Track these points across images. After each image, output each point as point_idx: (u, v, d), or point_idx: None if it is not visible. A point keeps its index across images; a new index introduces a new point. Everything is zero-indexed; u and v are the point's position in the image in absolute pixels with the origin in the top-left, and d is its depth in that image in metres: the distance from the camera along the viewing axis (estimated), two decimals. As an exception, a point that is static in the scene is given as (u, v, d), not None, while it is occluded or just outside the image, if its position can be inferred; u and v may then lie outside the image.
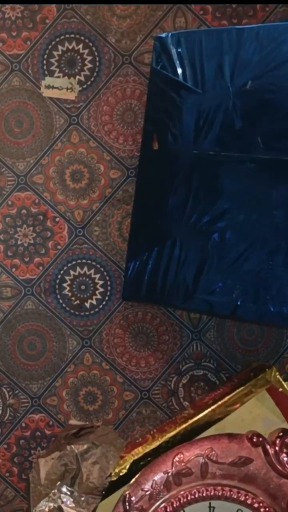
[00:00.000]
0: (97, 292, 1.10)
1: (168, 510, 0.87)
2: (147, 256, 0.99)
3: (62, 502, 0.92)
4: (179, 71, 0.96)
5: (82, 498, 0.92)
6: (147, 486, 0.87)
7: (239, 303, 0.93)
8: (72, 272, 1.10)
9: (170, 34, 0.97)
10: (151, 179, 1.00)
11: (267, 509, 0.86)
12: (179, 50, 0.96)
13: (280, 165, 0.90)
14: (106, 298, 1.09)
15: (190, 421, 0.93)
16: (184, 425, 0.93)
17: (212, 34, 0.94)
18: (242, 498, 0.86)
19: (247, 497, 0.86)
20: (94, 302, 1.10)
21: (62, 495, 0.93)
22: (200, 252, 0.95)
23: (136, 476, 0.89)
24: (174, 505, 0.87)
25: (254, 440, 0.86)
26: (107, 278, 1.09)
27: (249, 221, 0.93)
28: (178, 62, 0.96)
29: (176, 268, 0.97)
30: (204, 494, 0.87)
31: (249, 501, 0.86)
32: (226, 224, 0.94)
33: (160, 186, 0.98)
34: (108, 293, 1.09)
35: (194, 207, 0.96)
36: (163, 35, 0.97)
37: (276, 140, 0.90)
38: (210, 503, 0.88)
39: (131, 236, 1.03)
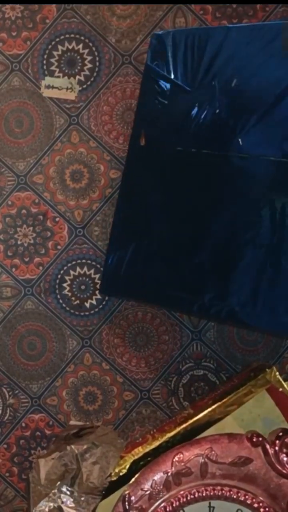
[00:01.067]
0: (97, 292, 1.10)
1: (167, 510, 0.87)
2: (125, 251, 0.99)
3: (62, 502, 0.92)
4: (172, 68, 0.96)
5: (82, 498, 0.92)
6: (147, 486, 0.87)
7: (205, 300, 0.93)
8: (72, 272, 1.10)
9: (166, 32, 0.97)
10: (137, 175, 1.00)
11: (267, 509, 0.86)
12: (174, 48, 0.96)
13: (263, 165, 0.90)
14: (106, 298, 1.09)
15: (190, 421, 0.93)
16: (184, 425, 0.93)
17: (206, 33, 0.95)
18: (242, 498, 0.86)
19: (247, 497, 0.86)
20: (94, 302, 1.10)
21: (62, 495, 0.93)
22: (176, 250, 0.95)
23: (136, 476, 0.89)
24: (174, 505, 0.87)
25: (254, 440, 0.86)
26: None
27: (226, 221, 0.93)
28: (171, 59, 0.96)
29: (153, 265, 0.97)
30: (204, 494, 0.86)
31: (249, 501, 0.86)
32: (205, 222, 0.94)
33: (144, 182, 0.99)
34: (108, 293, 1.09)
35: (174, 204, 0.96)
36: (160, 32, 0.98)
37: (260, 139, 0.90)
38: (210, 503, 0.88)
39: (113, 231, 1.03)
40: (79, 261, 1.10)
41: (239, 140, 0.90)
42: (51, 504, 0.92)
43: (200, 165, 0.94)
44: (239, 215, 0.92)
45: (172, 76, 0.96)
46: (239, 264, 0.91)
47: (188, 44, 0.95)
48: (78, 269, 1.10)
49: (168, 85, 0.96)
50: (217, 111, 0.93)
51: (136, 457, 0.93)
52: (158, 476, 0.87)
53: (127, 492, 0.88)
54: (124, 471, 0.92)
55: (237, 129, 0.91)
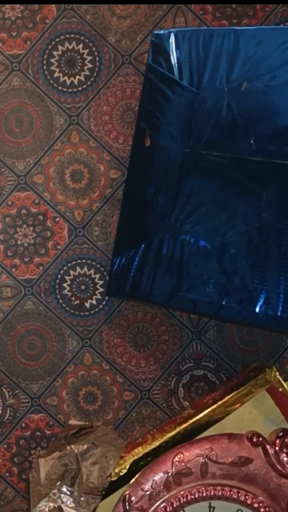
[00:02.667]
0: (97, 292, 1.10)
1: (168, 510, 0.87)
2: (133, 252, 0.99)
3: (62, 502, 0.92)
4: (175, 69, 0.96)
5: (82, 498, 0.92)
6: (147, 486, 0.87)
7: (224, 303, 0.93)
8: (72, 272, 1.10)
9: (168, 31, 0.97)
10: (141, 175, 1.00)
11: (267, 509, 0.86)
12: (177, 48, 0.96)
13: (271, 168, 0.90)
14: (106, 298, 1.09)
15: (190, 421, 0.93)
16: (184, 425, 0.93)
17: (210, 34, 0.94)
18: (242, 498, 0.86)
19: (247, 497, 0.86)
20: (94, 302, 1.10)
21: (62, 495, 0.93)
22: (187, 251, 0.95)
23: (136, 476, 0.89)
24: (174, 505, 0.87)
25: (254, 440, 0.86)
26: (107, 278, 1.09)
27: (237, 222, 0.93)
28: (174, 59, 0.96)
29: (162, 266, 0.97)
30: (204, 494, 0.87)
31: (249, 501, 0.86)
32: (214, 224, 0.94)
33: (150, 183, 0.98)
34: (108, 293, 1.09)
35: (183, 206, 0.96)
36: (161, 32, 0.97)
37: (269, 142, 0.90)
38: (210, 503, 0.88)
39: (118, 232, 1.03)
40: (79, 261, 1.10)
41: (252, 142, 0.90)
42: (51, 504, 0.92)
43: (210, 167, 0.94)
44: (248, 218, 0.92)
45: (177, 76, 0.96)
46: (251, 264, 0.92)
47: (192, 44, 0.95)
48: (78, 269, 1.10)
49: (171, 85, 0.96)
50: (228, 113, 0.93)
51: (136, 457, 0.93)
52: (158, 476, 0.87)
53: (127, 492, 0.88)
54: (124, 471, 0.92)
55: (249, 132, 0.91)
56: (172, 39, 0.96)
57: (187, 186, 0.96)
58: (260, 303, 0.91)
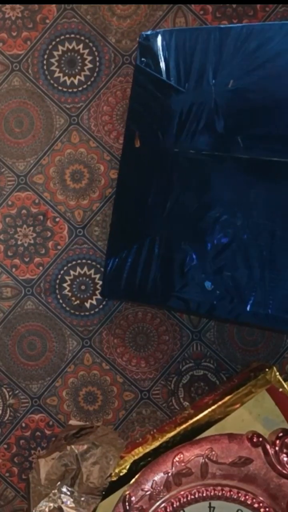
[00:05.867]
0: (97, 292, 1.10)
1: (168, 510, 0.87)
2: (126, 253, 0.99)
3: (62, 502, 0.92)
4: (163, 69, 0.96)
5: (82, 498, 0.92)
6: (147, 486, 0.87)
7: (215, 302, 0.93)
8: (72, 272, 1.10)
9: (155, 32, 0.97)
10: (132, 176, 1.00)
11: (267, 509, 0.86)
12: (164, 48, 0.96)
13: (259, 165, 0.90)
14: (106, 298, 1.09)
15: (190, 421, 0.93)
16: (184, 425, 0.93)
17: (196, 33, 0.94)
18: (242, 498, 0.86)
19: (247, 497, 0.86)
20: (94, 302, 1.10)
21: (62, 495, 0.93)
22: (178, 251, 0.95)
23: (136, 476, 0.89)
24: (174, 505, 0.87)
25: (254, 440, 0.86)
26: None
27: (227, 221, 0.93)
28: (162, 60, 0.96)
29: (155, 266, 0.97)
30: (204, 494, 0.87)
31: (249, 501, 0.86)
32: (205, 224, 0.94)
33: (141, 183, 0.98)
34: (108, 293, 1.09)
35: (173, 206, 0.96)
36: (149, 32, 0.97)
37: (257, 140, 0.90)
38: (210, 503, 0.88)
39: (111, 233, 1.03)
40: (79, 261, 1.10)
41: (239, 140, 0.90)
42: (51, 504, 0.92)
43: (199, 166, 0.94)
44: (238, 217, 0.92)
45: (165, 77, 0.96)
46: (241, 262, 0.92)
47: (179, 44, 0.95)
48: (78, 269, 1.10)
49: (159, 86, 0.96)
50: (215, 111, 0.92)
51: (136, 457, 0.93)
52: (158, 477, 0.87)
53: (127, 492, 0.88)
54: (124, 471, 0.92)
55: (237, 130, 0.91)
56: (159, 40, 0.96)
57: (177, 187, 0.96)
58: (251, 302, 0.91)
